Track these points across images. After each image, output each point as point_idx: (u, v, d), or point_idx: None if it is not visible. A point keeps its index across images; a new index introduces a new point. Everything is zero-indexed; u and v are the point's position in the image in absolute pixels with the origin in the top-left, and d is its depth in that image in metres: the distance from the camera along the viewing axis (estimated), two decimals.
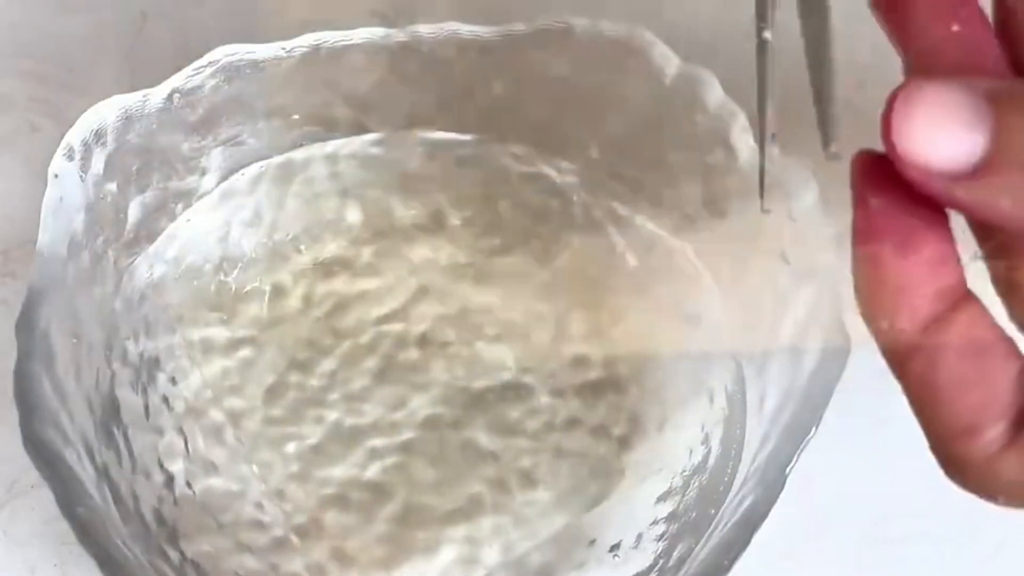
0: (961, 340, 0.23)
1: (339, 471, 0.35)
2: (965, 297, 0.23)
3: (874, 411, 0.38)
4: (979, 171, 0.21)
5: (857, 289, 0.24)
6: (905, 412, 0.38)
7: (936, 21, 0.24)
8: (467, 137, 0.38)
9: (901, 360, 0.24)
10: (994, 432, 0.23)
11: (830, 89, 0.24)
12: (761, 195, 0.27)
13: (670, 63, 0.35)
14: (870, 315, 0.24)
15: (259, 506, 0.34)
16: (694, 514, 0.33)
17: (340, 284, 0.37)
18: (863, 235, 0.24)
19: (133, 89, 0.34)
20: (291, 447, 0.35)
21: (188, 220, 0.36)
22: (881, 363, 0.38)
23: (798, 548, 0.35)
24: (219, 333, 0.36)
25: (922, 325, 0.23)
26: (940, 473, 0.37)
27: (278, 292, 0.37)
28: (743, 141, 0.34)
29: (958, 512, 0.37)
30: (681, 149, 0.36)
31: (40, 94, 0.43)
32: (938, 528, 0.36)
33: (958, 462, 0.24)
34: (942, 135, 0.21)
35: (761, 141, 0.26)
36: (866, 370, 0.37)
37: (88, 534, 0.28)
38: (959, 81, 0.22)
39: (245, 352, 0.36)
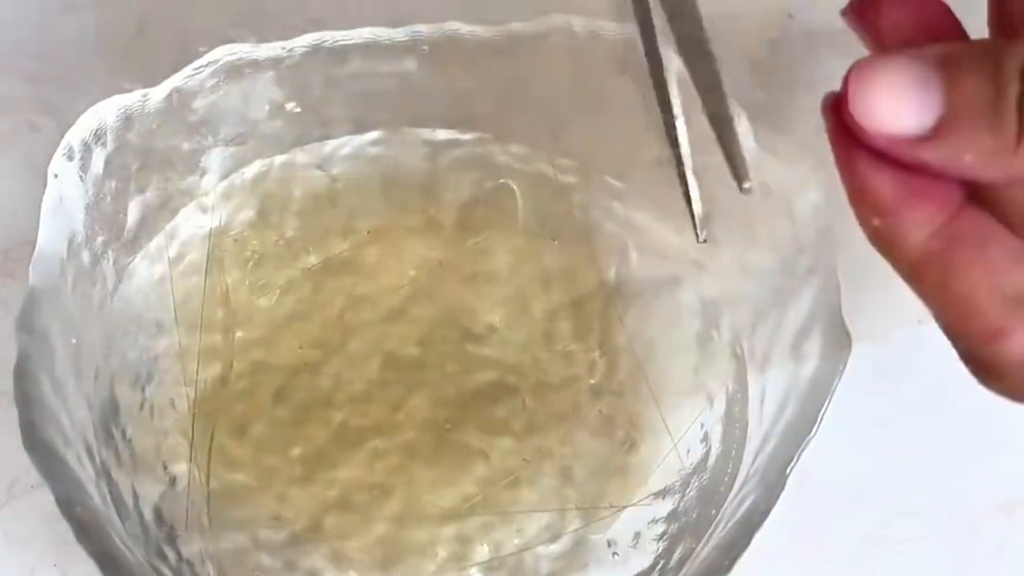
0: (970, 243, 0.24)
1: (343, 473, 0.35)
2: (965, 207, 0.24)
3: (874, 411, 0.38)
4: (938, 131, 0.22)
5: (850, 197, 0.24)
6: (905, 412, 0.38)
7: (903, 21, 0.25)
8: (467, 137, 0.38)
9: (916, 270, 0.24)
10: (1021, 332, 0.24)
11: (731, 127, 0.25)
12: (695, 226, 0.28)
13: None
14: (864, 218, 0.24)
15: (268, 508, 0.34)
16: (695, 514, 0.33)
17: (341, 284, 0.37)
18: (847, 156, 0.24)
19: (133, 89, 0.34)
20: (296, 451, 0.35)
21: (188, 220, 0.36)
22: (881, 363, 0.38)
23: (798, 548, 0.35)
24: (219, 333, 0.36)
25: (927, 231, 0.24)
26: (940, 473, 0.37)
27: (280, 292, 0.37)
28: (743, 141, 0.34)
29: (958, 512, 0.37)
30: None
31: (40, 94, 0.43)
32: (938, 528, 0.36)
33: (990, 366, 0.25)
34: (898, 103, 0.23)
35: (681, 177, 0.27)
36: (866, 370, 0.37)
37: (87, 534, 0.28)
38: (908, 51, 0.23)
39: (249, 354, 0.36)
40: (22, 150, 0.41)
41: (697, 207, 0.28)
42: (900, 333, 0.39)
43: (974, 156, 0.23)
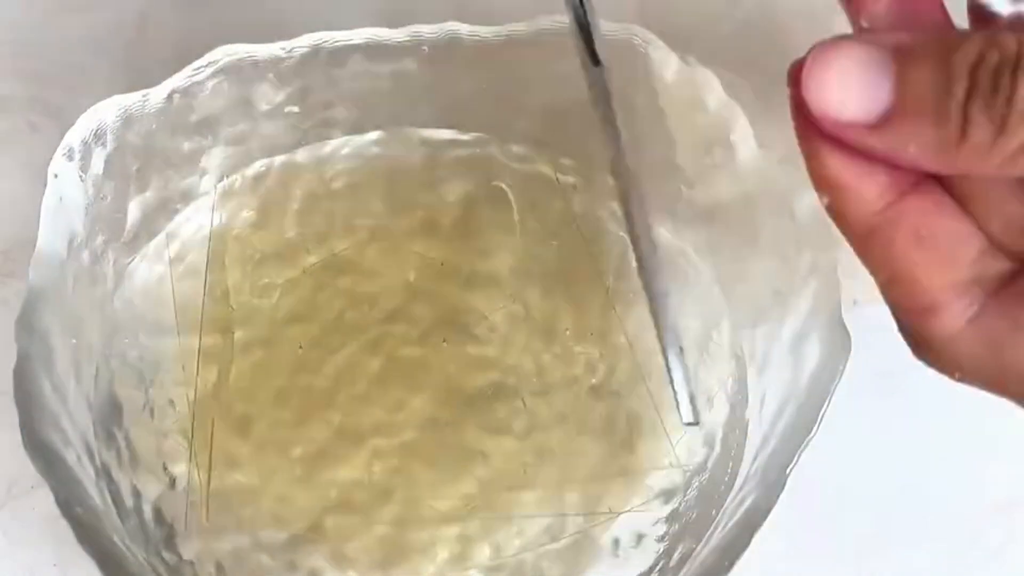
0: (915, 222, 0.25)
1: (343, 473, 0.35)
2: (921, 183, 0.25)
3: (874, 412, 0.38)
4: (886, 120, 0.23)
5: (808, 169, 0.25)
6: (905, 413, 0.38)
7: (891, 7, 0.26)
8: (467, 137, 0.38)
9: (862, 243, 0.25)
10: (954, 310, 0.25)
11: (676, 363, 0.28)
12: (679, 408, 0.28)
13: (670, 63, 0.35)
14: (818, 190, 0.25)
15: (268, 509, 0.34)
16: (695, 514, 0.33)
17: (341, 284, 0.37)
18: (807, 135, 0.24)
19: (133, 89, 0.34)
20: (297, 451, 0.35)
21: (188, 220, 0.36)
22: (882, 363, 0.38)
23: (798, 548, 0.35)
24: (217, 334, 0.36)
25: (876, 207, 0.25)
26: (940, 474, 0.37)
27: (280, 292, 0.37)
28: (743, 141, 0.34)
29: (958, 513, 0.37)
30: (681, 149, 0.36)
31: (40, 94, 0.43)
32: (938, 529, 0.36)
33: (923, 341, 0.26)
34: (850, 88, 0.23)
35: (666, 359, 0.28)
36: (866, 371, 0.37)
37: (87, 534, 0.28)
38: (866, 38, 0.23)
39: (249, 354, 0.36)
40: (22, 150, 0.41)
41: (681, 389, 0.28)
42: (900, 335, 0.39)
43: (918, 148, 0.23)
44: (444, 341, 0.37)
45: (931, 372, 0.38)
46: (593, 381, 0.36)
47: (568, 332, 0.37)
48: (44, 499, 0.29)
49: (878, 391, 0.38)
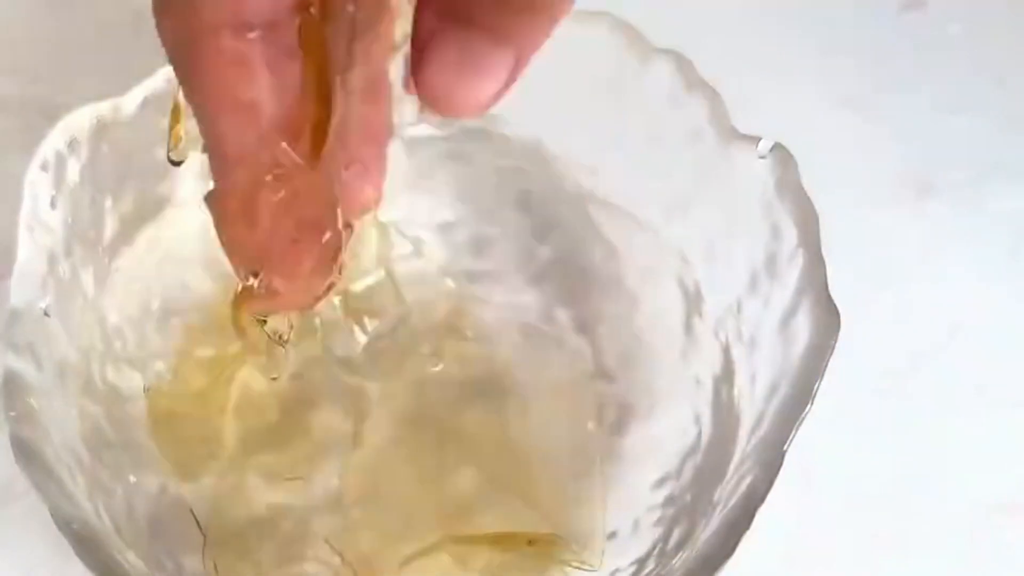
0: None
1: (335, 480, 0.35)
2: None
3: (876, 412, 0.37)
4: None
5: None
6: (906, 413, 0.38)
7: None
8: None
9: None
10: None
11: None
12: None
13: (668, 62, 0.35)
14: None
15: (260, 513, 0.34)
16: (690, 497, 0.32)
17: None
18: None
19: (130, 89, 0.34)
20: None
21: (167, 228, 0.36)
22: (884, 367, 0.38)
23: (799, 548, 0.35)
24: (209, 338, 0.36)
25: None
26: (940, 473, 0.37)
27: None
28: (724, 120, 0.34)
29: (959, 512, 0.36)
30: (679, 147, 0.35)
31: (36, 93, 0.42)
32: (938, 528, 0.36)
33: None
34: None
35: None
36: (868, 372, 0.37)
37: (85, 548, 0.28)
38: None
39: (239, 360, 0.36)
40: (18, 150, 0.40)
41: None
42: (902, 335, 0.39)
43: None
44: (436, 335, 0.36)
45: (930, 372, 0.38)
46: (582, 367, 0.36)
47: (561, 320, 0.37)
48: (40, 502, 0.29)
49: (878, 391, 0.38)
